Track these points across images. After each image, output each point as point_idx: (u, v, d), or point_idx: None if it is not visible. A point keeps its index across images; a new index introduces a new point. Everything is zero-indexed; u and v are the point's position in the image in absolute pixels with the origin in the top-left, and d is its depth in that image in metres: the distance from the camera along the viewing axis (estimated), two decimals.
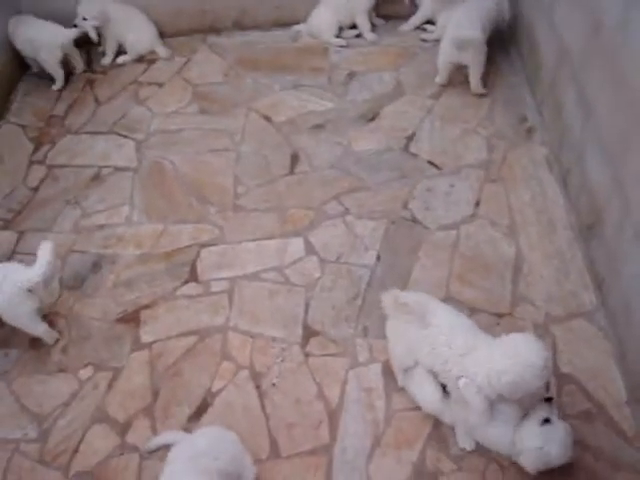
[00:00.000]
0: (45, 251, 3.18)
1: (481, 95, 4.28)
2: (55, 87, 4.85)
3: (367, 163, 4.04)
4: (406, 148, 4.10)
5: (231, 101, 4.58)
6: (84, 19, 4.76)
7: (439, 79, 4.38)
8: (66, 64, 4.88)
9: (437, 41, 4.52)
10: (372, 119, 4.32)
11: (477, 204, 3.75)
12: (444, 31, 4.40)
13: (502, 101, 4.12)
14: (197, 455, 2.51)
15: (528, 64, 4.39)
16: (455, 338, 2.62)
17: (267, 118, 4.42)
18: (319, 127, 4.31)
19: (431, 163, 4.00)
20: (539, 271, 3.40)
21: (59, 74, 4.84)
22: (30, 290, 3.16)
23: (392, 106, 4.39)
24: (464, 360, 2.56)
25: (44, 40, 4.69)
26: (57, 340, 3.38)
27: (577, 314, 3.21)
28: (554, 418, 2.55)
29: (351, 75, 4.67)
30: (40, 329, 3.32)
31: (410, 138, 4.16)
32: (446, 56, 4.23)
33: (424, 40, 4.84)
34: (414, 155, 4.05)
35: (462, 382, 2.54)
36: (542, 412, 2.54)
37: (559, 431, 2.51)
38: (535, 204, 3.70)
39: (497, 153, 3.97)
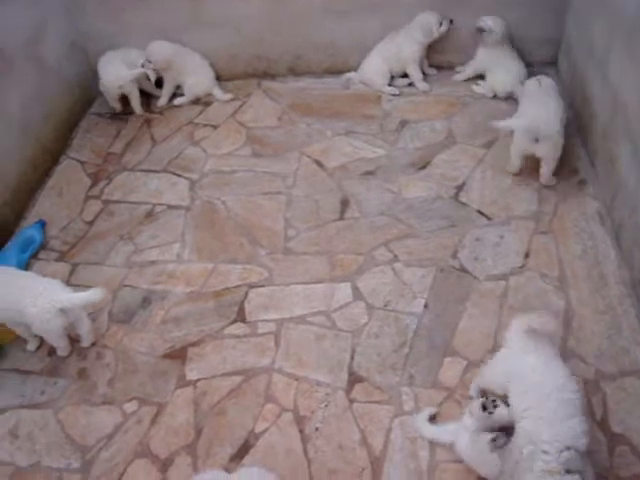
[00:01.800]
0: (95, 292, 3.31)
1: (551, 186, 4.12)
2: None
3: (417, 211, 4.05)
4: (456, 197, 4.11)
5: (284, 145, 4.68)
6: (148, 62, 4.94)
7: (512, 168, 4.16)
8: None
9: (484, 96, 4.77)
10: (423, 167, 4.35)
11: (527, 256, 3.71)
12: (493, 88, 4.67)
13: None
14: None
15: (580, 115, 4.38)
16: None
17: (319, 163, 4.49)
18: (370, 174, 4.35)
19: (481, 213, 3.99)
20: (590, 326, 3.34)
21: (117, 106, 5.13)
22: (62, 310, 3.28)
23: (443, 155, 4.42)
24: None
25: (104, 78, 4.94)
26: (71, 352, 3.53)
27: (629, 372, 3.13)
28: None
29: (403, 123, 4.72)
30: (62, 344, 3.47)
31: (460, 187, 4.17)
32: (521, 147, 4.01)
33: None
34: (464, 204, 4.06)
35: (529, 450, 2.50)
36: None
37: None
38: (586, 258, 3.65)
39: (548, 205, 3.95)
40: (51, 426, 3.24)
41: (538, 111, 3.91)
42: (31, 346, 3.55)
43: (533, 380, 2.63)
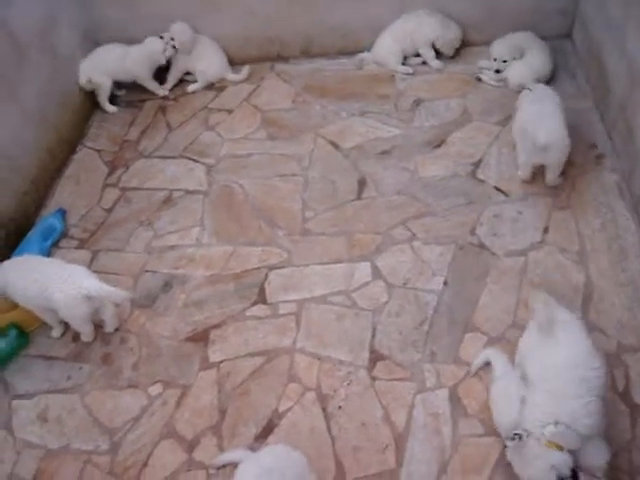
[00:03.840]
0: (121, 292, 3.40)
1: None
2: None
3: (434, 189, 4.05)
4: (473, 174, 4.10)
5: (299, 127, 4.67)
6: (172, 39, 4.98)
7: (522, 175, 3.97)
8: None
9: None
10: (439, 145, 4.34)
11: (545, 231, 3.70)
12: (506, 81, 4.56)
13: (570, 126, 4.05)
14: (265, 472, 2.53)
15: (597, 88, 4.34)
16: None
17: (334, 144, 4.49)
18: (386, 153, 4.35)
19: (498, 189, 3.98)
20: (610, 299, 3.33)
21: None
22: (88, 297, 3.32)
23: (459, 132, 4.40)
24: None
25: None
26: (95, 338, 3.59)
27: None
28: None
29: (417, 102, 4.70)
30: (86, 330, 3.53)
31: (477, 164, 4.15)
32: (529, 157, 3.83)
33: (479, 79, 4.80)
34: (481, 181, 4.05)
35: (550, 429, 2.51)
36: None
37: None
38: (606, 231, 3.64)
39: (566, 180, 3.92)
40: (78, 410, 3.31)
41: (542, 120, 3.73)
42: (56, 332, 3.60)
43: (551, 353, 2.64)
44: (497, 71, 4.68)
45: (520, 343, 2.94)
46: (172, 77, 5.24)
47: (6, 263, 3.56)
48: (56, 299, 3.29)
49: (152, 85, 5.16)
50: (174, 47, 5.00)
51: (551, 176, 3.86)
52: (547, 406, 2.53)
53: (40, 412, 3.32)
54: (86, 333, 3.53)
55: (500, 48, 4.69)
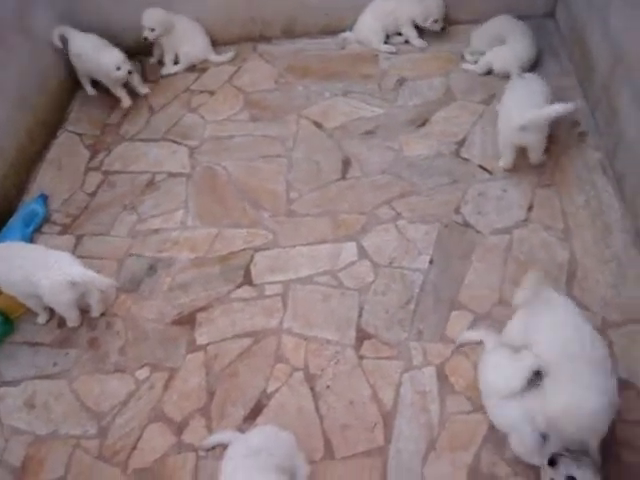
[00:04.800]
0: (106, 280, 3.43)
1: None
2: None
3: (418, 168, 4.04)
4: (457, 153, 4.09)
5: (282, 108, 4.64)
6: (152, 30, 4.88)
7: (504, 163, 3.93)
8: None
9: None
10: (423, 124, 4.32)
11: (530, 208, 3.71)
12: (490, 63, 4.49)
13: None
14: (255, 452, 2.55)
15: (580, 67, 4.34)
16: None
17: (318, 124, 4.46)
18: (370, 133, 4.33)
19: (482, 168, 3.98)
20: (594, 276, 3.36)
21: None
22: (73, 283, 3.32)
23: (443, 111, 4.38)
24: None
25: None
26: (81, 323, 3.58)
27: (635, 319, 3.16)
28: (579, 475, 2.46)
29: (401, 81, 4.68)
30: (72, 316, 3.52)
31: (461, 143, 4.15)
32: (508, 139, 3.80)
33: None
34: (465, 160, 4.04)
35: None
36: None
37: None
38: (589, 208, 3.65)
39: (549, 157, 3.92)
40: (66, 395, 3.30)
41: (519, 101, 3.75)
42: (41, 319, 3.58)
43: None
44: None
45: (513, 325, 2.96)
46: (168, 59, 5.16)
47: None
48: (42, 285, 3.28)
49: (120, 93, 4.95)
50: (129, 72, 4.74)
51: (534, 157, 3.86)
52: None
53: (27, 398, 3.30)
54: (72, 318, 3.51)
55: (478, 41, 4.68)
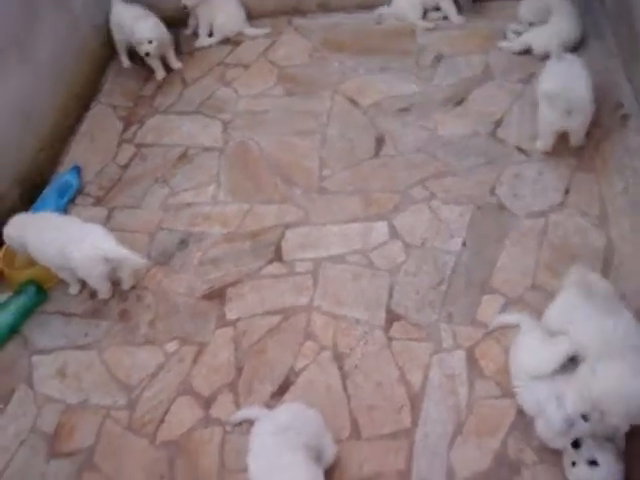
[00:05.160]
0: (139, 259, 3.40)
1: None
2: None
3: (453, 148, 3.97)
4: (494, 133, 4.01)
5: (317, 83, 4.60)
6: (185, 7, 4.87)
7: (542, 146, 3.80)
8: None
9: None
10: (459, 103, 4.25)
11: (567, 192, 3.63)
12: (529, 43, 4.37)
13: (596, 87, 3.88)
14: (283, 430, 2.54)
15: (625, 49, 4.20)
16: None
17: (353, 101, 4.41)
18: (405, 110, 4.27)
19: (519, 149, 3.89)
20: (631, 264, 3.26)
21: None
22: (105, 259, 3.34)
23: (480, 90, 4.30)
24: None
25: None
26: (112, 295, 3.59)
27: None
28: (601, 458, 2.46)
29: (438, 58, 4.60)
30: (103, 288, 3.54)
31: (498, 123, 4.06)
32: (552, 124, 3.65)
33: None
34: (502, 140, 3.96)
35: None
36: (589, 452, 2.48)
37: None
38: (629, 194, 3.54)
39: (589, 140, 3.80)
40: (96, 366, 3.34)
41: (565, 80, 3.60)
42: (73, 289, 3.62)
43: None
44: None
45: (554, 309, 2.91)
46: (203, 31, 5.15)
47: (24, 217, 3.57)
48: (74, 258, 3.31)
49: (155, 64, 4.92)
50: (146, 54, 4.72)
51: (576, 138, 3.75)
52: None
53: (59, 368, 3.35)
54: (103, 291, 3.55)
55: (526, 11, 4.54)
